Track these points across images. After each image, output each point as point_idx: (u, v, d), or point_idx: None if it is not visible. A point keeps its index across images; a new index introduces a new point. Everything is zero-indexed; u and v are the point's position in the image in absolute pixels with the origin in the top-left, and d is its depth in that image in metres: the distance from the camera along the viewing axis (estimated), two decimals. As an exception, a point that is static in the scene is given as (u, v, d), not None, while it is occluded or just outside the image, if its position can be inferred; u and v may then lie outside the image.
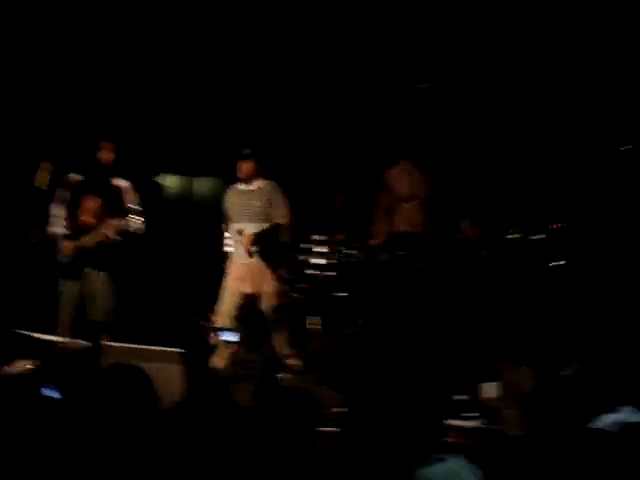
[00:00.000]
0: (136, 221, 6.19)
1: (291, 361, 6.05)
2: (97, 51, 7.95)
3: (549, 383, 4.88)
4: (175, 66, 8.37)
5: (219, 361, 5.31)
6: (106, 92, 8.18)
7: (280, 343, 5.91)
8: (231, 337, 5.12)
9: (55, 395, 3.24)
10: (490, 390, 5.22)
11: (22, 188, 7.39)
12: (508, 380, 4.94)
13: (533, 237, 7.21)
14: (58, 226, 6.31)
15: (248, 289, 5.96)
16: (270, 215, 6.09)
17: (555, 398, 4.45)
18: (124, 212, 6.19)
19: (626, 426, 3.58)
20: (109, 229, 6.15)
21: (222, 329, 5.23)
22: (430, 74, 8.05)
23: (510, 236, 7.23)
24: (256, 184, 6.18)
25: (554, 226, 7.22)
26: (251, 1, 7.72)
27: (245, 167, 6.15)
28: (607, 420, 4.38)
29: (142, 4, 7.72)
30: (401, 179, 5.81)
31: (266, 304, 6.00)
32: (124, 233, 6.24)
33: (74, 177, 6.37)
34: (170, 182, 9.34)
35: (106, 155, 6.29)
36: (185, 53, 8.20)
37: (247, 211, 6.13)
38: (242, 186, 6.21)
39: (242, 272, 6.07)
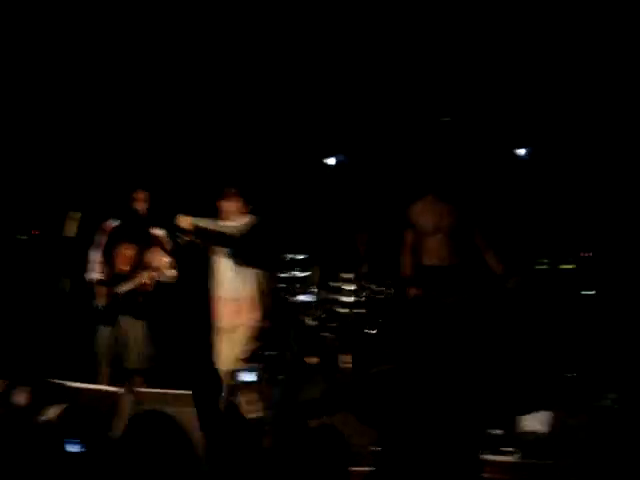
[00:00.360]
0: (170, 270, 6.25)
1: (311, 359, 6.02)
2: (129, 103, 8.06)
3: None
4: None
5: (245, 403, 5.25)
6: (138, 141, 8.26)
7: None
8: (249, 377, 5.07)
9: (77, 449, 3.25)
10: (532, 424, 5.15)
11: (51, 238, 7.47)
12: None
13: (563, 266, 7.15)
14: (94, 272, 6.36)
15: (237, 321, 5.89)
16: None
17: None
18: (160, 261, 6.25)
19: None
20: (146, 278, 6.19)
21: (238, 370, 5.18)
22: (452, 108, 8.07)
23: (539, 266, 7.18)
24: (238, 221, 5.99)
25: (584, 254, 7.15)
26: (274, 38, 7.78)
27: (230, 206, 5.98)
28: None
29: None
30: (425, 213, 5.79)
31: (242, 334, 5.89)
32: (159, 282, 6.28)
33: (111, 223, 6.44)
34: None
35: (140, 205, 6.38)
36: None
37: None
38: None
39: (233, 308, 5.99)
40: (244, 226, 5.90)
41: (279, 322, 7.58)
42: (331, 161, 8.96)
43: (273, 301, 6.11)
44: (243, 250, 5.84)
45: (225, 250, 5.90)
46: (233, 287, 5.91)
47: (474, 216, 5.69)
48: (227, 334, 5.90)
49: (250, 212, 6.01)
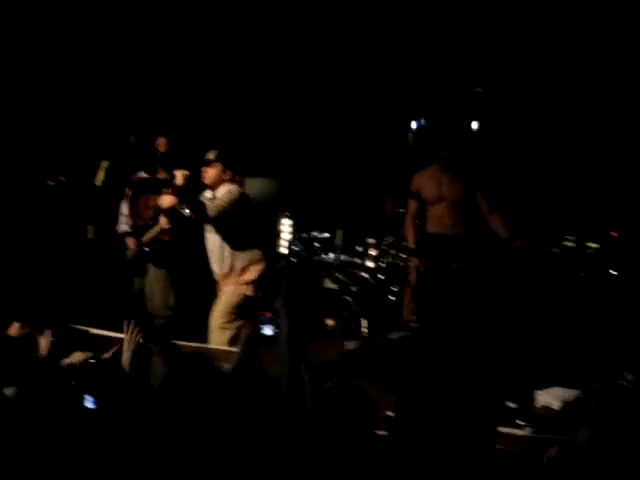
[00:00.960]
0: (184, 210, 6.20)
1: (329, 322, 6.01)
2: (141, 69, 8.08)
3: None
4: (229, 68, 8.45)
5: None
6: (161, 89, 8.29)
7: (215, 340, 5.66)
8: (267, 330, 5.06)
9: (91, 405, 3.29)
10: (546, 398, 5.17)
11: (79, 185, 7.52)
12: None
13: (589, 244, 7.12)
14: (123, 224, 6.50)
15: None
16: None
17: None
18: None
19: None
20: (163, 224, 6.11)
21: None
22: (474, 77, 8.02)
23: (566, 243, 7.15)
24: (220, 191, 5.62)
25: (612, 234, 7.12)
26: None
27: (209, 173, 5.62)
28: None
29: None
30: (428, 183, 5.79)
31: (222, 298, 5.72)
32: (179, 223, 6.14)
33: (137, 175, 6.48)
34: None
35: (162, 148, 6.43)
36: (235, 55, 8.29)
37: None
38: (208, 194, 5.68)
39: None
40: (221, 201, 5.49)
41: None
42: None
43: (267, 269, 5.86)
44: (221, 225, 5.53)
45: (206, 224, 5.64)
46: (216, 261, 5.69)
47: (478, 183, 5.66)
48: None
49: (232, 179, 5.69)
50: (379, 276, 7.65)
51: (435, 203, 5.75)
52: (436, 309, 5.73)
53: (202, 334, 5.64)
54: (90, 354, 4.04)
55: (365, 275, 7.49)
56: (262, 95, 8.79)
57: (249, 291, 5.66)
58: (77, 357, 4.05)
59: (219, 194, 5.56)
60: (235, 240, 5.57)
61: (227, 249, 5.57)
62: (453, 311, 5.56)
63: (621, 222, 7.28)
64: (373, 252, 7.74)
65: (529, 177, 7.84)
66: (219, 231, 5.52)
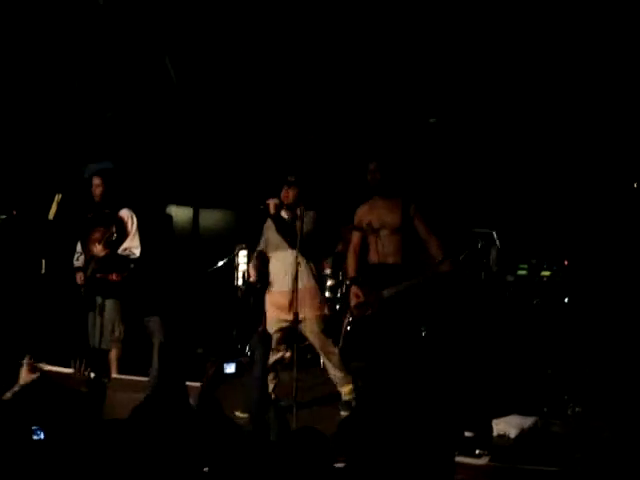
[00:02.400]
0: (132, 247, 6.34)
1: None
2: (108, 82, 8.03)
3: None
4: (184, 100, 8.44)
5: None
6: (116, 122, 8.24)
7: (333, 364, 6.06)
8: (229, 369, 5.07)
9: (40, 437, 3.25)
10: (503, 427, 5.19)
11: (32, 219, 7.43)
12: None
13: (543, 274, 7.20)
14: (77, 260, 6.53)
15: (288, 317, 5.90)
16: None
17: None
18: (123, 239, 6.35)
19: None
20: (97, 250, 6.28)
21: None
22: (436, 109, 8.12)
23: (520, 272, 7.23)
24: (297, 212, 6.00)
25: (564, 262, 7.21)
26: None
27: (290, 194, 6.11)
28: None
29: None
30: (370, 212, 5.82)
31: (309, 328, 6.03)
32: (123, 260, 6.34)
33: (89, 212, 6.52)
34: (178, 213, 9.36)
35: (96, 189, 6.43)
36: (196, 84, 8.28)
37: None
38: (284, 214, 6.12)
39: (280, 301, 6.05)
40: (310, 224, 5.95)
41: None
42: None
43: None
44: (305, 245, 5.84)
45: (283, 243, 6.05)
46: (288, 281, 5.96)
47: (417, 209, 5.69)
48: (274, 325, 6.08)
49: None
50: (336, 307, 7.66)
51: (375, 232, 5.76)
52: (370, 339, 5.74)
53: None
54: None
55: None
56: (217, 127, 8.79)
57: (326, 310, 6.17)
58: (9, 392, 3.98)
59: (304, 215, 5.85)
60: (310, 259, 6.04)
61: (303, 266, 5.90)
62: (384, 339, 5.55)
63: (572, 250, 7.38)
64: (329, 282, 7.77)
65: (483, 205, 7.93)
66: (302, 251, 5.79)
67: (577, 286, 7.11)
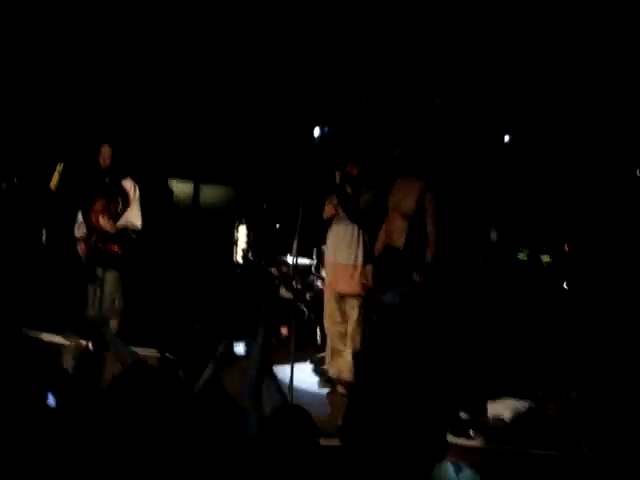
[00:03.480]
0: (133, 218, 6.34)
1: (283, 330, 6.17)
2: (111, 56, 7.99)
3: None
4: (186, 72, 8.40)
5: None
6: (119, 95, 8.21)
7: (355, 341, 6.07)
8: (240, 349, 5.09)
9: (52, 403, 3.27)
10: (498, 409, 5.22)
11: (33, 189, 7.42)
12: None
13: (543, 258, 7.22)
14: (78, 230, 6.51)
15: (347, 288, 6.07)
16: None
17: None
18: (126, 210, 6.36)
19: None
20: (103, 222, 6.29)
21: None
22: (444, 89, 8.07)
23: (519, 256, 7.25)
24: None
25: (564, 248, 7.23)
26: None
27: (354, 170, 6.17)
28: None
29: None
30: (392, 192, 5.79)
31: (353, 304, 6.10)
32: (125, 232, 6.35)
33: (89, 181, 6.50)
34: (179, 188, 9.35)
35: (106, 158, 6.40)
36: (198, 58, 8.23)
37: None
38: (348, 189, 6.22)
39: (341, 272, 6.16)
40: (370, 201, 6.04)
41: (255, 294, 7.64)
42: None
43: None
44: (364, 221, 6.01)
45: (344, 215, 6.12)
46: (344, 250, 6.11)
47: (431, 200, 5.62)
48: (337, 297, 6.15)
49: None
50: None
51: (390, 214, 5.73)
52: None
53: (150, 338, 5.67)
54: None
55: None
56: (215, 103, 8.75)
57: (363, 292, 6.08)
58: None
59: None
60: (368, 235, 6.07)
61: (361, 242, 6.04)
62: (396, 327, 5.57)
63: (573, 235, 7.39)
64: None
65: (487, 189, 7.91)
66: (361, 224, 5.99)
67: (577, 271, 7.13)
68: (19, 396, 3.30)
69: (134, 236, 6.36)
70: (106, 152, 6.42)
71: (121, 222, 6.31)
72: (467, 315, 6.50)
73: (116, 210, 6.31)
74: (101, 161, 6.43)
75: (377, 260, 5.80)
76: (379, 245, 5.85)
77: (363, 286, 5.96)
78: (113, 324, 6.28)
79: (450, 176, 6.52)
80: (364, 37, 7.80)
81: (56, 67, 7.87)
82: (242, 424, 3.68)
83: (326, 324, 6.25)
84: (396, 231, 5.61)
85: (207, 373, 4.10)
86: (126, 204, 6.36)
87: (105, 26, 7.83)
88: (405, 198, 5.60)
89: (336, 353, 6.16)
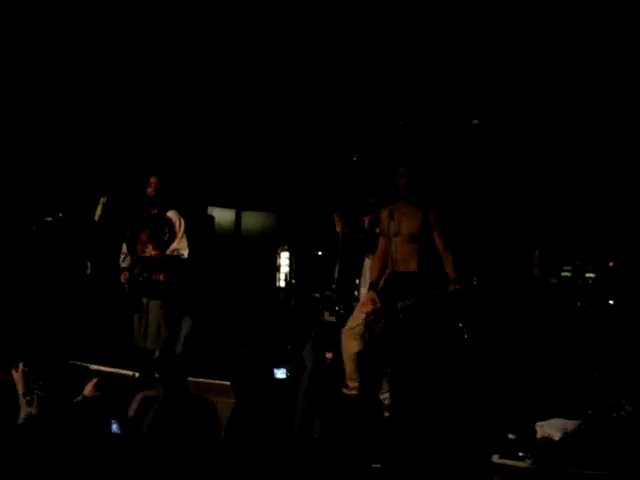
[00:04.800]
0: (181, 248, 6.40)
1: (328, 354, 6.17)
2: (152, 87, 8.13)
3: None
4: (226, 101, 8.51)
5: None
6: (158, 126, 8.34)
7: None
8: (281, 374, 5.12)
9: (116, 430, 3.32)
10: (547, 430, 5.15)
11: (78, 221, 7.55)
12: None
13: (587, 275, 7.13)
14: (123, 261, 6.59)
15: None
16: None
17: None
18: (172, 240, 6.43)
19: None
20: (148, 249, 6.38)
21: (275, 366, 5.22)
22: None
23: (564, 274, 7.16)
24: None
25: (609, 264, 7.12)
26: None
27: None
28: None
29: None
30: (391, 217, 5.76)
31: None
32: (173, 261, 6.39)
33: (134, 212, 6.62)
34: (220, 215, 9.43)
35: (150, 190, 6.50)
36: (239, 87, 8.34)
37: None
38: None
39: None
40: None
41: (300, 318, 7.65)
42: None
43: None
44: None
45: None
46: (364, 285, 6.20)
47: (438, 220, 5.61)
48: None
49: None
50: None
51: (391, 239, 5.72)
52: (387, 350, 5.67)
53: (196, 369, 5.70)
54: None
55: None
56: (255, 130, 8.83)
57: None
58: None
59: None
60: None
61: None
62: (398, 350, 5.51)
63: (617, 252, 7.29)
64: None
65: (522, 205, 7.84)
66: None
67: (622, 288, 7.03)
68: (81, 424, 3.37)
69: (180, 266, 6.41)
70: (154, 183, 6.52)
71: (168, 251, 6.39)
72: (513, 332, 6.45)
73: (162, 239, 6.39)
74: (149, 191, 6.53)
75: (381, 287, 5.75)
76: (377, 272, 5.81)
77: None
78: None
79: (452, 200, 6.52)
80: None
81: (98, 99, 8.03)
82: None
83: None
84: (405, 254, 5.60)
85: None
86: (173, 234, 6.44)
87: (144, 57, 7.98)
88: (408, 222, 5.60)
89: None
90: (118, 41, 7.87)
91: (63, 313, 6.85)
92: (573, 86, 7.68)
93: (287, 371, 5.07)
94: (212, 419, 3.56)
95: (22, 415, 3.87)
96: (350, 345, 6.07)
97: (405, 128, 7.37)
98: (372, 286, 5.76)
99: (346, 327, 6.09)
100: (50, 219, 7.39)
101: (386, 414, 5.98)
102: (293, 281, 8.49)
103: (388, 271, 5.69)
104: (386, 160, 6.50)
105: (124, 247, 6.61)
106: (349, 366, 6.06)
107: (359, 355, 6.09)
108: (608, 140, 7.67)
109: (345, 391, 6.02)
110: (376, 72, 8.06)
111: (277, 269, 8.73)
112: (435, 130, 8.04)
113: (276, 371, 4.88)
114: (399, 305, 5.45)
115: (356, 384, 6.02)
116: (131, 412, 4.10)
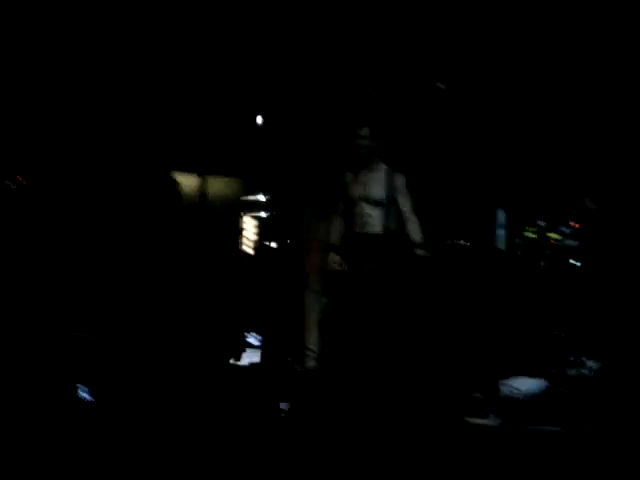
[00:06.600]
0: None
1: None
2: (114, 51, 7.99)
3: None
4: (190, 64, 8.39)
5: None
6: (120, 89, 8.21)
7: None
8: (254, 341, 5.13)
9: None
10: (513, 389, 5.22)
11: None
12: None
13: (550, 236, 7.16)
14: None
15: None
16: None
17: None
18: None
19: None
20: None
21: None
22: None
23: (527, 234, 7.19)
24: None
25: (574, 225, 7.16)
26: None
27: None
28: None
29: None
30: (355, 181, 5.74)
31: None
32: None
33: None
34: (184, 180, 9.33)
35: None
36: (202, 50, 8.22)
37: None
38: None
39: None
40: None
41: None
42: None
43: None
44: None
45: None
46: None
47: (404, 184, 5.62)
48: None
49: None
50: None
51: (357, 202, 5.70)
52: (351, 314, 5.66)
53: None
54: None
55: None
56: (224, 94, 8.73)
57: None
58: None
59: None
60: None
61: None
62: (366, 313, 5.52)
63: (583, 213, 7.33)
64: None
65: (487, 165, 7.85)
66: None
67: (587, 249, 7.09)
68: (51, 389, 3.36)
69: None
70: None
71: None
72: (473, 294, 6.49)
73: None
74: None
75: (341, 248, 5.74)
76: (338, 234, 5.78)
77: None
78: None
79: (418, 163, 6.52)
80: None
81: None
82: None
83: None
84: (371, 217, 5.60)
85: None
86: None
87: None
88: (374, 186, 5.61)
89: None
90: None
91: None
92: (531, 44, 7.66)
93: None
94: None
95: None
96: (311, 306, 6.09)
97: (371, 92, 7.35)
98: (332, 247, 5.75)
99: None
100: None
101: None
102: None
103: (355, 232, 5.68)
104: (355, 121, 6.44)
105: None
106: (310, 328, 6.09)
107: (321, 315, 6.11)
108: (571, 90, 7.67)
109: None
110: (342, 32, 7.99)
111: (240, 232, 8.69)
112: (400, 93, 8.01)
113: (247, 335, 4.90)
114: (367, 266, 5.47)
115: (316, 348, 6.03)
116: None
